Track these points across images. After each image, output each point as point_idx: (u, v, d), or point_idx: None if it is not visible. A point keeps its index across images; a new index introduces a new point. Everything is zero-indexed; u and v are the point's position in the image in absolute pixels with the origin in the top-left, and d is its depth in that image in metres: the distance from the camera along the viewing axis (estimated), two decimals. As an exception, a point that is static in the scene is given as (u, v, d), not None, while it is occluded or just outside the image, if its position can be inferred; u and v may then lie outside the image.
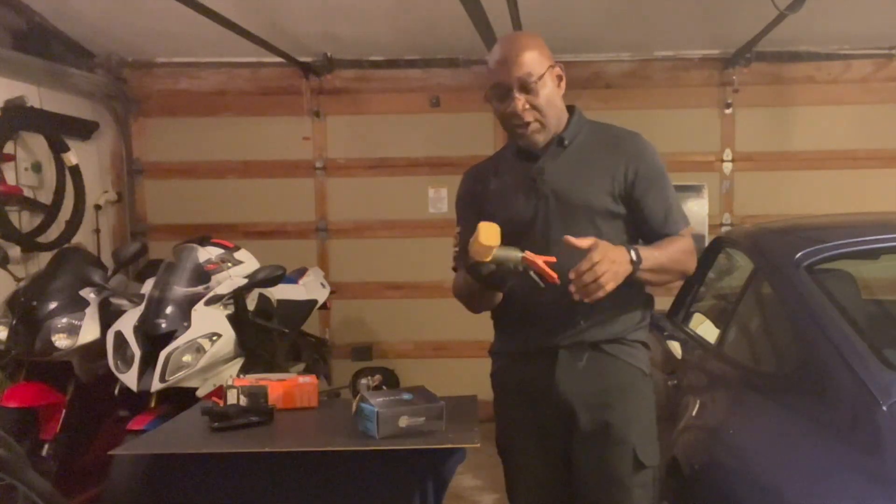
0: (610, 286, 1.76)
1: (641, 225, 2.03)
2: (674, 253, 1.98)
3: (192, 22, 4.06)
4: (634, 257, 1.84)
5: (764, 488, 1.78)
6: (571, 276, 1.76)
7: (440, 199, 5.25)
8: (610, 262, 1.76)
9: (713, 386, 2.56)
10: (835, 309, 2.05)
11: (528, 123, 1.97)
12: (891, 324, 2.65)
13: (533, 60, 1.94)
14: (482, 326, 2.22)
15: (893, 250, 2.43)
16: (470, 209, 2.12)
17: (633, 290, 1.98)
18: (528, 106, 1.95)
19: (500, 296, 2.04)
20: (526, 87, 1.94)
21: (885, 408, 1.72)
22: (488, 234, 1.80)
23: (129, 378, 3.20)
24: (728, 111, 5.14)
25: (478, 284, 1.93)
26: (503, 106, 1.98)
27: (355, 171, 5.34)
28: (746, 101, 5.11)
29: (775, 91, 5.12)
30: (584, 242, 1.78)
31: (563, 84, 2.03)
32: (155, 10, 4.38)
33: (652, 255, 1.90)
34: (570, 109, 2.08)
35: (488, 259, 1.80)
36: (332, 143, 5.34)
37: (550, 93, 1.98)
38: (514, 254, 1.83)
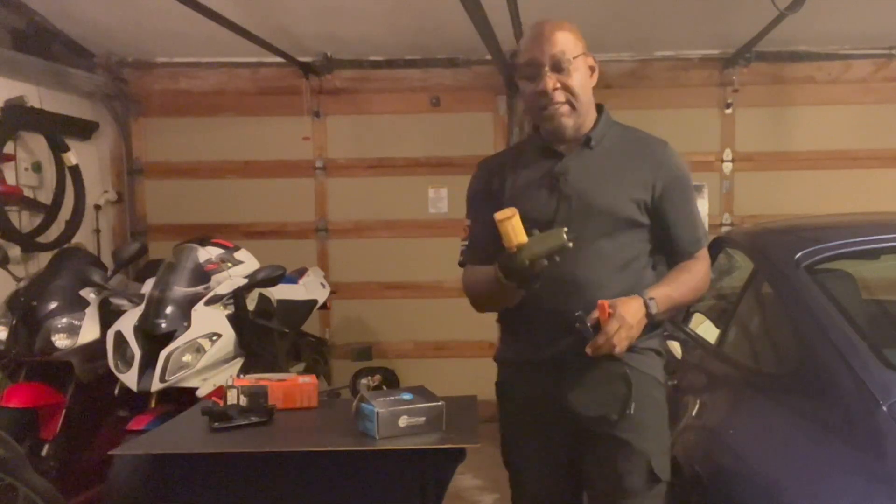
0: (625, 347, 1.77)
1: (664, 238, 1.98)
2: (690, 285, 1.96)
3: (192, 22, 4.06)
4: (652, 309, 1.82)
5: (764, 488, 1.78)
6: (588, 350, 1.77)
7: (440, 199, 5.25)
8: (627, 329, 1.76)
9: (713, 386, 2.56)
10: (835, 309, 2.05)
11: (558, 103, 1.89)
12: (891, 324, 2.65)
13: (567, 41, 1.89)
14: (482, 326, 2.23)
15: (893, 250, 2.43)
16: (484, 204, 1.98)
17: None
18: (558, 85, 1.88)
19: (519, 296, 1.90)
20: (558, 66, 1.87)
21: (885, 408, 1.72)
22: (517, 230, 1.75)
23: (129, 378, 3.20)
24: (728, 111, 5.14)
25: (508, 284, 1.81)
26: (532, 86, 1.90)
27: (355, 171, 5.33)
28: (746, 101, 5.11)
29: (775, 91, 5.12)
30: (601, 314, 1.75)
31: (595, 77, 1.97)
32: (155, 10, 4.39)
33: (668, 298, 1.88)
34: (599, 108, 2.01)
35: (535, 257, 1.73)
36: (332, 143, 5.34)
37: (583, 78, 1.92)
38: (555, 239, 1.74)
